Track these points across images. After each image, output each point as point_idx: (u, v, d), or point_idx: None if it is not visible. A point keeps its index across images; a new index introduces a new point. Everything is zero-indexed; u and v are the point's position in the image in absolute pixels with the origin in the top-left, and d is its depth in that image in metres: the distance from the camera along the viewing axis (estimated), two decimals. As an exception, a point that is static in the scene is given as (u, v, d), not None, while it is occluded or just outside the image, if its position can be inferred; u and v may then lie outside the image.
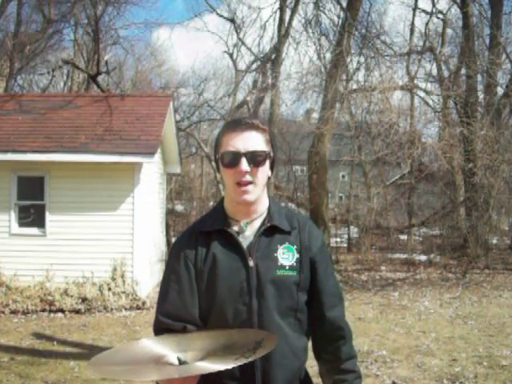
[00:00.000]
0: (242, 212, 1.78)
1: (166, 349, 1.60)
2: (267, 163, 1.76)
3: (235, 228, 1.78)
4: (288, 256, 1.75)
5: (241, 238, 1.76)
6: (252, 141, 1.72)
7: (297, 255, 1.76)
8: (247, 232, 1.77)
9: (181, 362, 1.54)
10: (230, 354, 1.51)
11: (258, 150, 1.73)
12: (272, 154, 1.78)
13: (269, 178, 1.80)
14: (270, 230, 1.77)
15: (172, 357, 1.56)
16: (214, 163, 16.70)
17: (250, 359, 1.46)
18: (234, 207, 1.79)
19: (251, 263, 1.72)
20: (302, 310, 1.77)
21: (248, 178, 1.71)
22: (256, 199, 1.75)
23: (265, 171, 1.76)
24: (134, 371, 1.53)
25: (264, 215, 1.80)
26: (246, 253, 1.73)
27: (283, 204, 13.75)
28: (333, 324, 1.81)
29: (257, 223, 1.79)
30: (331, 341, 1.81)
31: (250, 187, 1.71)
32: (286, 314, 1.73)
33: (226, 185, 1.77)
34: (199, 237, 1.78)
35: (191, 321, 1.72)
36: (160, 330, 1.75)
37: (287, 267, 1.73)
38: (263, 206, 1.81)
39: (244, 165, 1.69)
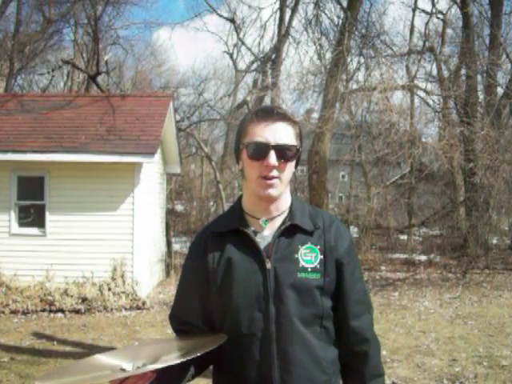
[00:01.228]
0: (261, 208, 1.64)
1: (120, 361, 1.56)
2: (295, 159, 1.63)
3: (253, 227, 1.64)
4: (311, 257, 1.59)
5: (258, 238, 1.62)
6: (283, 133, 1.58)
7: (320, 256, 1.60)
8: (266, 232, 1.63)
9: (137, 368, 1.50)
10: (178, 356, 1.48)
11: (289, 144, 1.59)
12: (301, 149, 1.65)
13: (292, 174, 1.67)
14: (291, 230, 1.62)
15: (126, 366, 1.51)
16: (213, 163, 16.70)
17: (180, 359, 1.41)
18: (254, 203, 1.64)
19: (268, 265, 1.57)
20: (329, 317, 1.63)
21: (274, 173, 1.57)
22: (279, 195, 1.62)
23: (292, 167, 1.63)
24: (88, 378, 1.48)
25: (285, 214, 1.66)
26: (264, 254, 1.58)
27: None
28: (358, 335, 1.65)
29: (277, 222, 1.64)
30: (355, 354, 1.66)
31: (275, 181, 1.58)
32: (311, 321, 1.58)
33: (248, 178, 1.62)
34: (210, 238, 1.67)
35: (196, 325, 1.70)
36: (174, 331, 1.77)
37: (309, 269, 1.58)
38: (285, 203, 1.67)
39: (272, 158, 1.55)
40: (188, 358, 1.42)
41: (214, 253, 1.65)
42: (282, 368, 1.55)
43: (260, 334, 1.57)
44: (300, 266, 1.58)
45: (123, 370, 1.50)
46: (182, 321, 1.73)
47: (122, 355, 1.63)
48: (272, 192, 1.58)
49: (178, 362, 1.41)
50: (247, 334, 1.58)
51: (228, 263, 1.61)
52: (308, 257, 1.60)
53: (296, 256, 1.59)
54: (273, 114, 1.59)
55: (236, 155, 1.68)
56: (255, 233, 1.63)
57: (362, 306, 1.68)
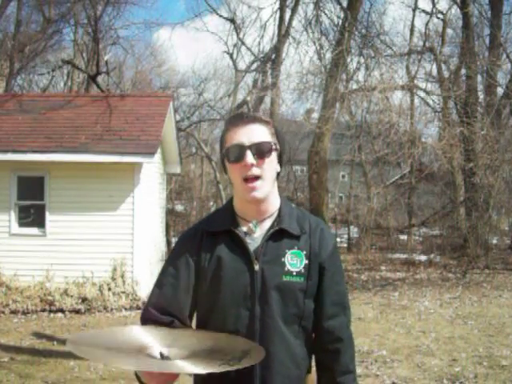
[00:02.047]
0: (251, 211, 1.71)
1: (152, 340, 1.56)
2: (274, 155, 1.69)
3: (244, 229, 1.71)
4: (296, 262, 1.67)
5: (249, 240, 1.69)
6: (256, 133, 1.66)
7: (305, 261, 1.68)
8: (257, 233, 1.70)
9: (163, 357, 1.49)
10: (215, 358, 1.47)
11: (263, 141, 1.66)
12: (278, 147, 1.71)
13: (278, 174, 1.74)
14: (279, 234, 1.69)
15: (155, 349, 1.51)
16: (213, 163, 16.72)
17: (235, 367, 1.43)
18: (243, 206, 1.71)
19: (256, 267, 1.65)
20: (308, 318, 1.71)
21: (255, 171, 1.64)
22: (265, 197, 1.68)
23: (272, 164, 1.69)
24: (113, 357, 1.49)
25: (274, 216, 1.72)
26: (253, 256, 1.66)
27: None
28: (331, 334, 1.72)
29: (267, 224, 1.71)
30: (328, 352, 1.73)
31: (257, 183, 1.64)
32: (291, 321, 1.67)
33: (234, 183, 1.70)
34: (205, 236, 1.72)
35: (180, 318, 1.69)
36: (146, 320, 1.72)
37: (294, 273, 1.66)
38: (274, 206, 1.73)
39: (249, 157, 1.62)
40: (228, 368, 1.44)
41: (206, 251, 1.70)
42: (262, 364, 1.60)
43: (245, 330, 1.64)
44: (286, 269, 1.66)
45: (149, 354, 1.49)
46: (166, 311, 1.69)
47: (160, 335, 1.60)
48: (256, 194, 1.65)
49: (217, 371, 1.43)
50: (232, 330, 1.64)
51: (218, 262, 1.67)
52: (294, 261, 1.68)
53: (283, 260, 1.67)
54: (243, 118, 1.69)
55: (223, 166, 1.76)
56: (246, 234, 1.70)
57: (338, 308, 1.74)
